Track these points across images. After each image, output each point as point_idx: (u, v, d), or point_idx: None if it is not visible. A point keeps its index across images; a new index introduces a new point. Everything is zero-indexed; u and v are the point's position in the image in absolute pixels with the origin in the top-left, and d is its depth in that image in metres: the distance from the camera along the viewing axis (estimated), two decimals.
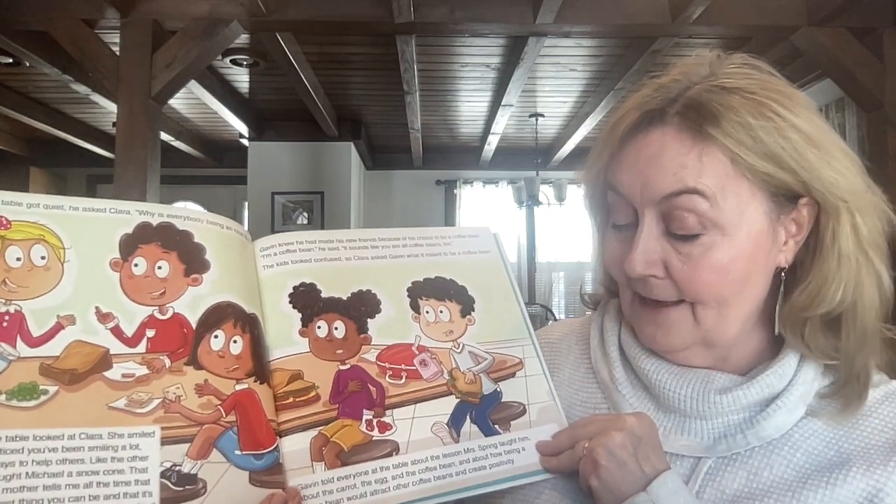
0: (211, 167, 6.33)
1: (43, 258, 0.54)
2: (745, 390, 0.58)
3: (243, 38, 3.43)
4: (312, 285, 0.63)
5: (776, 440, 0.58)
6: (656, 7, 2.97)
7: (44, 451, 0.48)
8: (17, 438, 0.48)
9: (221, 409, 0.54)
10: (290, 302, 0.62)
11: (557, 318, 6.09)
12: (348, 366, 0.61)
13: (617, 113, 0.63)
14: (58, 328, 0.53)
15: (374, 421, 0.59)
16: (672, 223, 0.57)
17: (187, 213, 0.61)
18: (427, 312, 0.66)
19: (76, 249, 0.56)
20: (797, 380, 0.59)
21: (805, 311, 0.58)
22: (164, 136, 4.76)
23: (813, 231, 0.58)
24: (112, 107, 4.01)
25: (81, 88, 3.98)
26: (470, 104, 4.88)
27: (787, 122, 0.55)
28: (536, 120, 5.22)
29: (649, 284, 0.59)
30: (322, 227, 5.42)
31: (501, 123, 5.04)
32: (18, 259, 0.54)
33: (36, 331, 0.52)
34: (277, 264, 0.63)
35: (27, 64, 3.76)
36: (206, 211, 0.63)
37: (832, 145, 0.56)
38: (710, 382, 0.60)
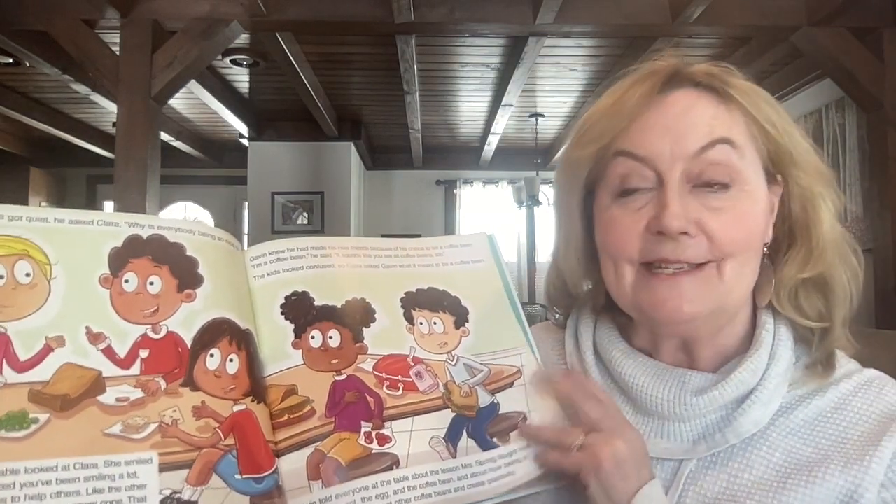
0: (211, 167, 6.32)
1: (28, 275, 0.50)
2: (720, 390, 0.58)
3: (243, 38, 3.43)
4: (305, 293, 0.61)
5: (755, 439, 0.58)
6: (656, 7, 2.97)
7: (37, 485, 0.44)
8: (8, 472, 0.44)
9: (220, 432, 0.52)
10: (283, 313, 0.59)
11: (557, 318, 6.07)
12: (344, 376, 0.59)
13: (615, 93, 0.62)
14: (47, 350, 0.49)
15: (374, 433, 0.57)
16: (702, 177, 0.57)
17: (178, 225, 0.58)
18: (421, 324, 0.64)
19: (63, 265, 0.52)
20: (769, 373, 0.59)
21: (801, 273, 0.60)
22: (164, 136, 4.76)
23: (787, 212, 0.61)
24: (112, 107, 4.01)
25: (81, 88, 3.98)
26: (470, 104, 4.88)
27: (770, 102, 0.60)
28: (536, 120, 5.22)
29: (681, 245, 0.56)
30: (322, 227, 5.42)
31: (501, 123, 5.04)
32: (1, 277, 0.49)
33: (23, 354, 0.48)
34: (268, 274, 0.61)
35: (27, 64, 3.76)
36: (196, 221, 0.60)
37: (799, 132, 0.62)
38: (686, 384, 0.60)
